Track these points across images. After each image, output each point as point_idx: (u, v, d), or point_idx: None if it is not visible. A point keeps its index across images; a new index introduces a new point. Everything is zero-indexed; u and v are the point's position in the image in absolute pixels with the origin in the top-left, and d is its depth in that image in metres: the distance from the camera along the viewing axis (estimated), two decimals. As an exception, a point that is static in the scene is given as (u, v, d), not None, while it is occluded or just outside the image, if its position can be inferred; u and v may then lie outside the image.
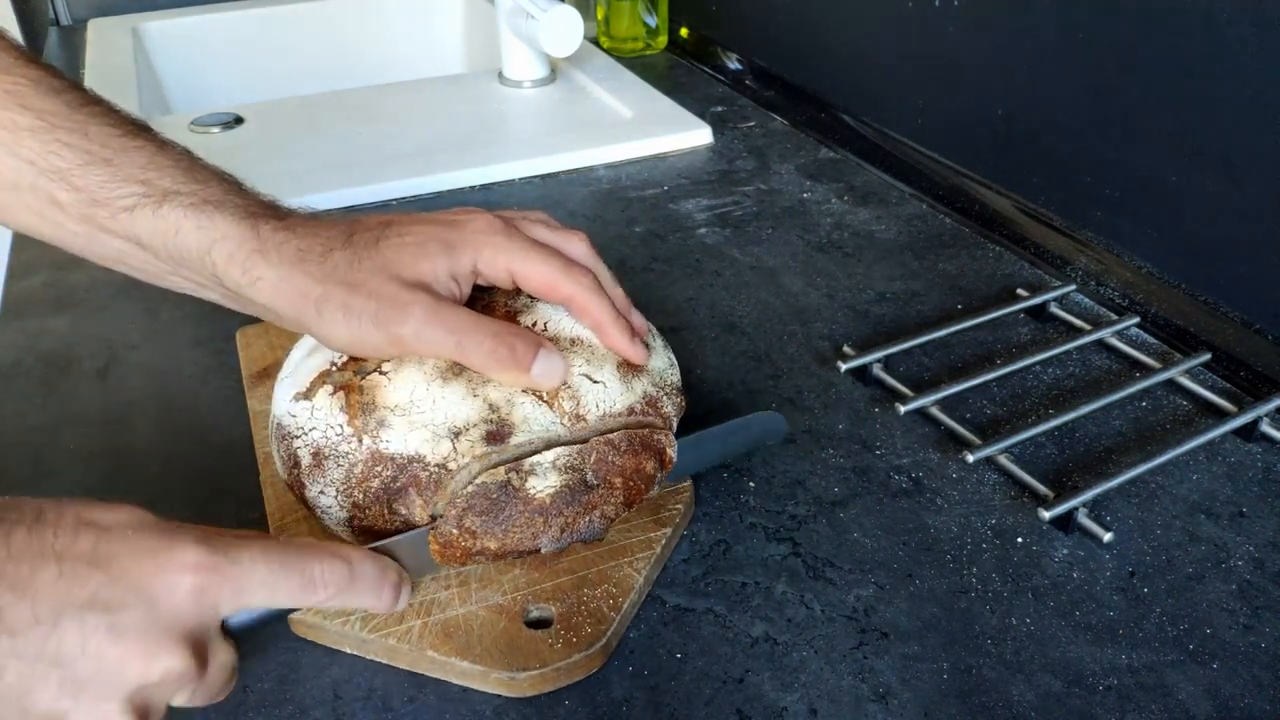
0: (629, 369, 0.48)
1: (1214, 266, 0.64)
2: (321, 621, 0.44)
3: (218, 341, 0.64)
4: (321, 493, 0.44)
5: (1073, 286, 0.69)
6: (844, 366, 0.61)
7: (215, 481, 0.53)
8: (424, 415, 0.43)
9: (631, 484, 0.45)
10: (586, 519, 0.44)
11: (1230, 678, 0.43)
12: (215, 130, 0.95)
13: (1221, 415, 0.58)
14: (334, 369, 0.46)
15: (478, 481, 0.43)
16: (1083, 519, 0.50)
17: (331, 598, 0.38)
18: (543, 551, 0.43)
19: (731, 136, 0.96)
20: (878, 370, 0.61)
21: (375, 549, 0.42)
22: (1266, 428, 0.56)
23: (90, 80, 1.06)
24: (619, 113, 0.99)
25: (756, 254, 0.76)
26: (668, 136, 0.93)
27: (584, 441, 0.45)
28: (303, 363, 0.47)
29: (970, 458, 0.54)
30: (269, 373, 0.58)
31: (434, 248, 0.44)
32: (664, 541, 0.48)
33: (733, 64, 1.13)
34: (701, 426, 0.51)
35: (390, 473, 0.43)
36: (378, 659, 0.44)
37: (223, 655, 0.36)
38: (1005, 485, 0.53)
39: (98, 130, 0.43)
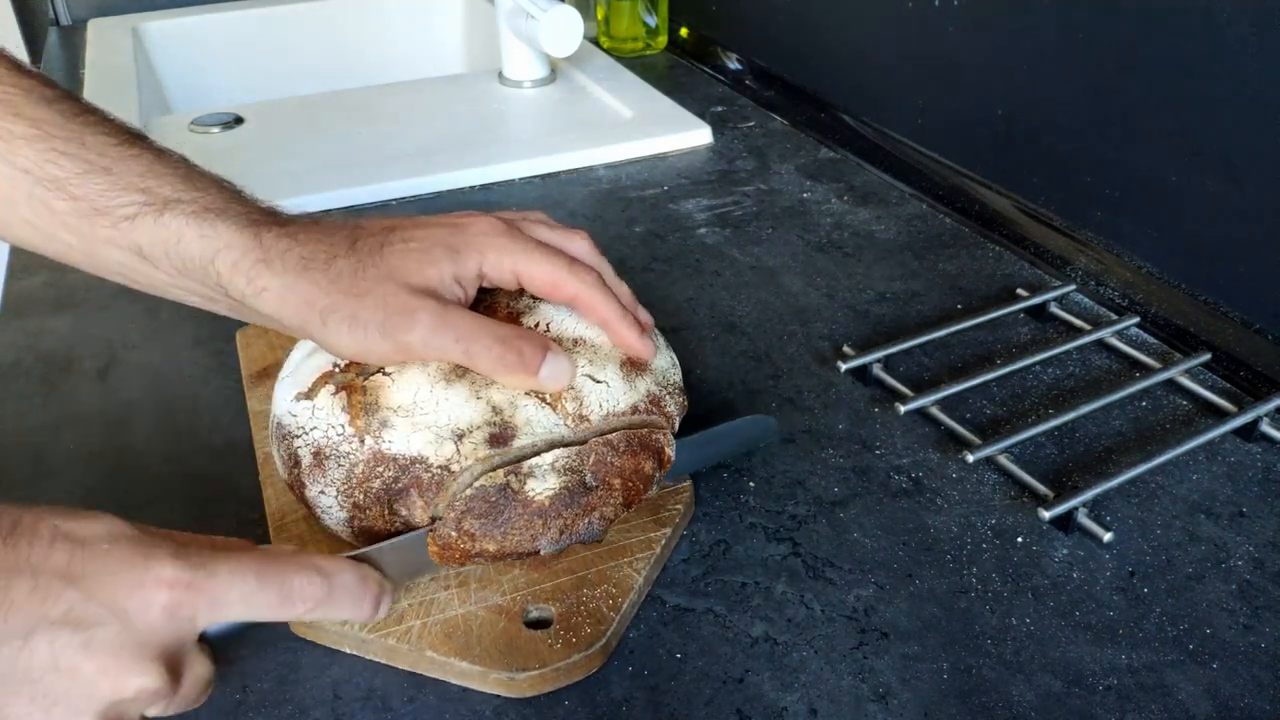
0: (632, 368, 0.48)
1: (1214, 266, 0.64)
2: (321, 621, 0.44)
3: (218, 341, 0.64)
4: (322, 493, 0.44)
5: (1073, 286, 0.69)
6: (844, 366, 0.61)
7: (215, 481, 0.53)
8: (427, 417, 0.43)
9: (630, 485, 0.45)
10: (585, 520, 0.44)
11: (1230, 678, 0.43)
12: (215, 130, 0.94)
13: (1221, 415, 0.58)
14: (336, 370, 0.46)
15: (476, 484, 0.43)
16: (1083, 519, 0.50)
17: (310, 611, 0.38)
18: (542, 553, 0.43)
19: (731, 136, 0.96)
20: (878, 370, 0.61)
21: (361, 556, 0.41)
22: (1266, 428, 0.56)
23: (90, 80, 1.06)
24: (619, 113, 0.99)
25: (756, 254, 0.76)
26: (668, 136, 0.93)
27: (583, 443, 0.45)
28: (304, 362, 0.47)
29: (970, 458, 0.54)
30: (269, 373, 0.58)
31: (439, 253, 0.44)
32: (663, 542, 0.48)
33: (733, 64, 1.13)
34: (702, 426, 0.51)
35: (392, 473, 0.43)
36: (377, 659, 0.44)
37: (198, 668, 0.36)
38: (1005, 485, 0.53)
39: (94, 139, 0.43)
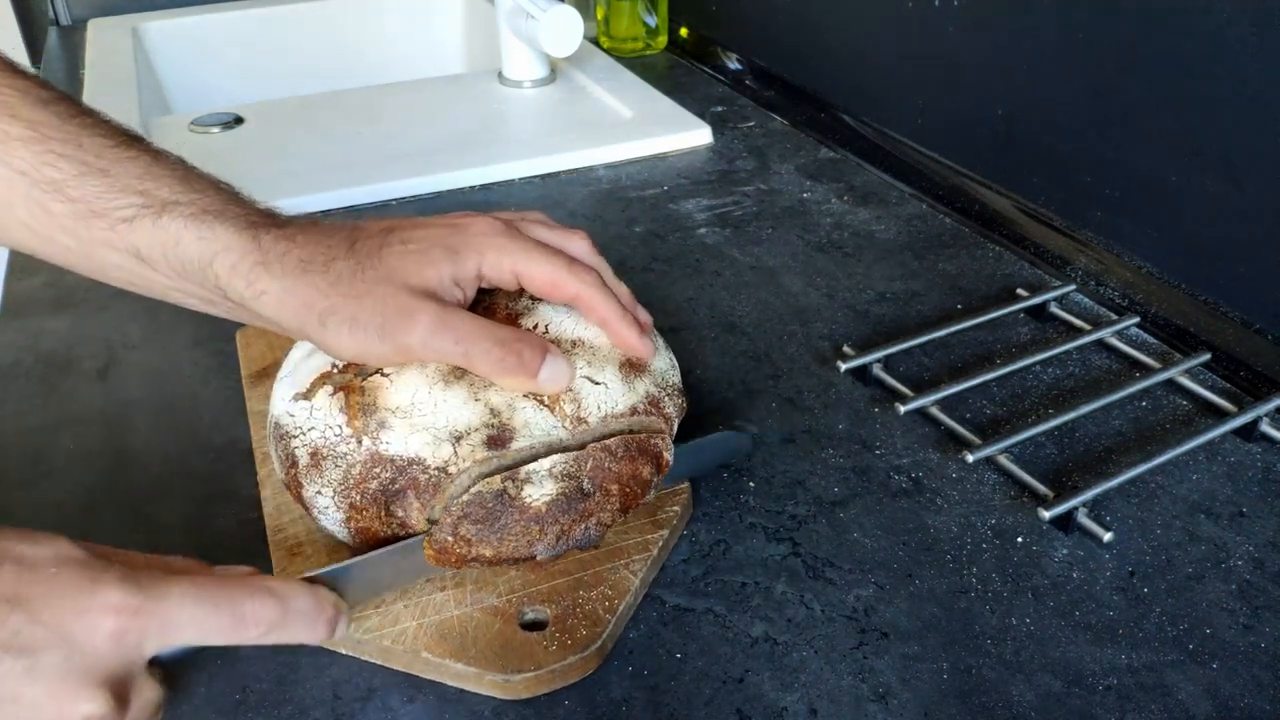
0: (631, 370, 0.47)
1: (1214, 266, 0.64)
2: None
3: (218, 341, 0.64)
4: (319, 493, 0.44)
5: (1073, 286, 0.69)
6: (844, 366, 0.61)
7: (214, 481, 0.53)
8: (425, 418, 0.43)
9: (628, 490, 0.45)
10: (582, 526, 0.44)
11: (1230, 678, 0.43)
12: (215, 130, 0.94)
13: (1221, 415, 0.57)
14: (335, 370, 0.46)
15: (473, 490, 0.43)
16: (1083, 519, 0.50)
17: (263, 635, 0.37)
18: (539, 559, 0.43)
19: (731, 136, 0.96)
20: (878, 370, 0.61)
21: (316, 577, 0.41)
22: (1266, 428, 0.56)
23: (90, 80, 1.06)
24: (619, 113, 0.99)
25: (756, 254, 0.76)
26: (668, 136, 0.93)
27: (581, 448, 0.44)
28: (303, 363, 0.47)
29: (970, 458, 0.53)
30: (269, 373, 0.58)
31: (438, 254, 0.44)
32: (661, 544, 0.48)
33: (733, 64, 1.13)
34: (701, 427, 0.51)
35: (389, 475, 0.43)
36: (372, 660, 0.44)
37: (147, 693, 0.36)
38: (1005, 485, 0.53)
39: (91, 141, 0.42)
